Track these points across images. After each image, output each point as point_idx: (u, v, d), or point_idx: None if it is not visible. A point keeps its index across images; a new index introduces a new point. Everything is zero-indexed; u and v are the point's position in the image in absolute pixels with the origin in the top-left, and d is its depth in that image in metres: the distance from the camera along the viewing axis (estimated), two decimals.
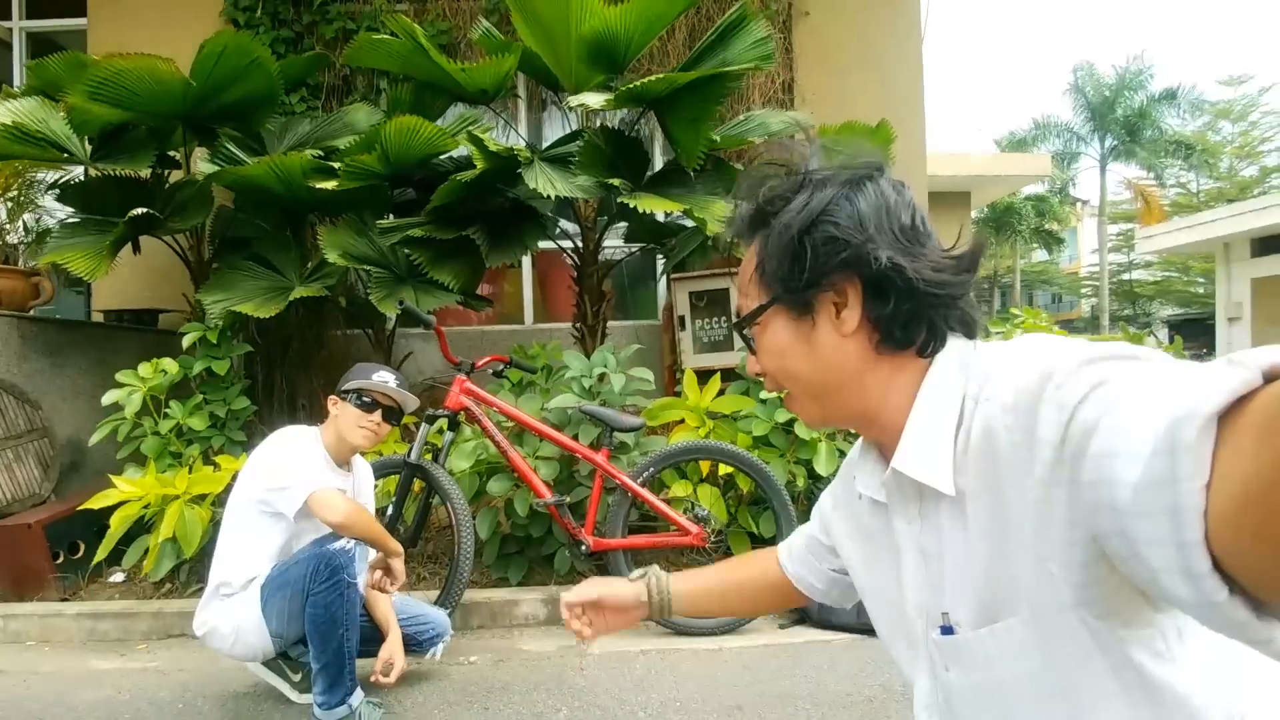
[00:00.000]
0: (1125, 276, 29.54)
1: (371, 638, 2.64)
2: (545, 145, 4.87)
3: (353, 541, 2.39)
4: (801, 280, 0.82)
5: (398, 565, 2.59)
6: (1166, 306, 28.68)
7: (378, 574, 2.59)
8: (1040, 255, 31.02)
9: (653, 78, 3.83)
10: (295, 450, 2.47)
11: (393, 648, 2.62)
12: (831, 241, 0.80)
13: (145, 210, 3.95)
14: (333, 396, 2.64)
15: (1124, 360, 0.61)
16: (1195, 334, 24.40)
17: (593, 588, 1.27)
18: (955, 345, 0.83)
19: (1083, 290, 33.21)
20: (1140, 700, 0.68)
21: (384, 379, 2.63)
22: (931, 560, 0.83)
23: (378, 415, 2.60)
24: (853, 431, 3.49)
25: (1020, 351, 0.75)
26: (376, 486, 3.02)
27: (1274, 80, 51.61)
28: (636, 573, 1.29)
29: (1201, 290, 25.73)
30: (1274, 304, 14.37)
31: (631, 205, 3.85)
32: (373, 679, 2.57)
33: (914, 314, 0.81)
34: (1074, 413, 0.59)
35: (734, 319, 0.86)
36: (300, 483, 2.37)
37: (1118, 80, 24.18)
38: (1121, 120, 24.08)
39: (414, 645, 2.75)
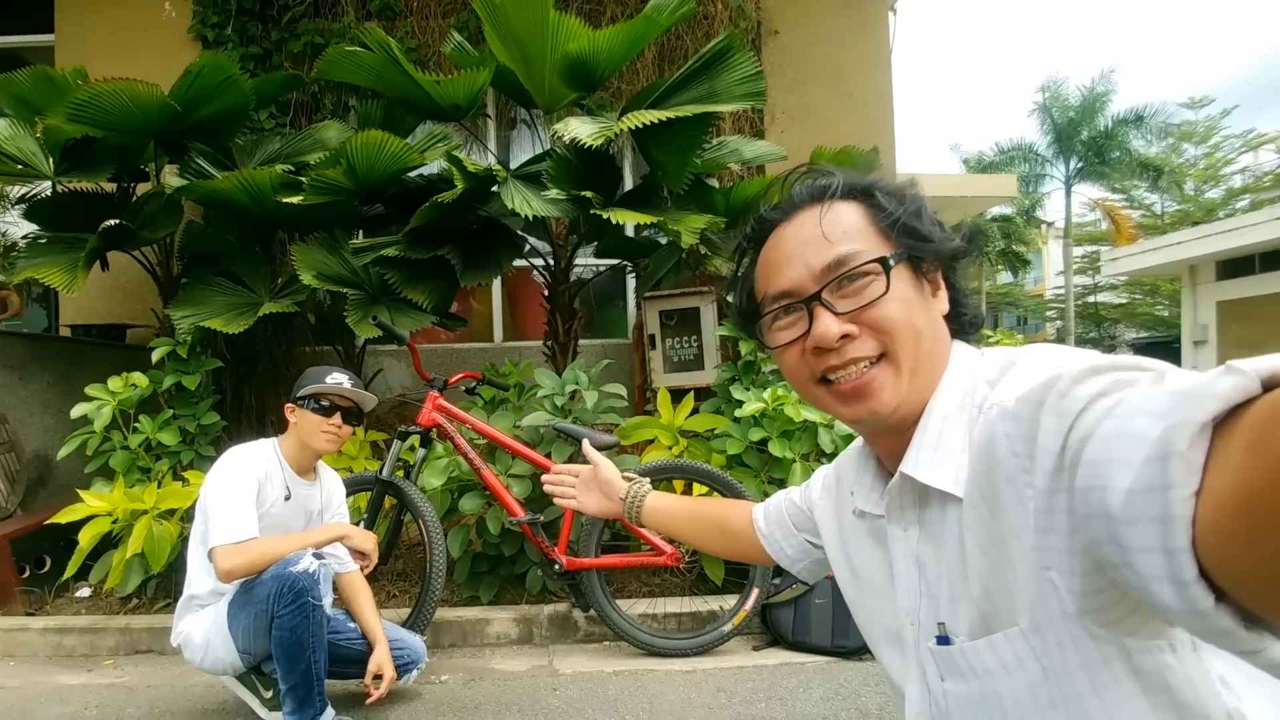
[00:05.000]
0: (1091, 299, 29.75)
1: (349, 658, 2.62)
2: (515, 164, 4.86)
3: (317, 562, 2.36)
4: (929, 246, 0.86)
5: (353, 543, 2.62)
6: (1131, 329, 28.89)
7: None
8: (1005, 277, 31.18)
9: (651, 114, 3.80)
10: (225, 485, 2.41)
11: (381, 659, 2.59)
12: (938, 226, 0.87)
13: (117, 221, 3.91)
14: (289, 404, 2.61)
15: (1129, 370, 0.61)
16: (1160, 357, 24.45)
17: (598, 462, 1.46)
18: (965, 350, 0.87)
19: (1048, 313, 33.37)
20: (1144, 707, 0.67)
21: (338, 380, 2.59)
22: (927, 568, 0.84)
23: (337, 418, 2.58)
24: (827, 454, 3.53)
25: (1025, 360, 0.77)
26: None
27: (1236, 103, 52.50)
28: (631, 472, 1.47)
29: (1166, 313, 25.92)
30: (1240, 327, 14.36)
31: (605, 217, 3.84)
32: (363, 687, 2.56)
33: (962, 308, 0.90)
34: (1074, 421, 0.59)
35: (839, 265, 0.85)
36: (211, 533, 2.34)
37: (1083, 102, 24.11)
38: (1087, 142, 24.05)
39: None
